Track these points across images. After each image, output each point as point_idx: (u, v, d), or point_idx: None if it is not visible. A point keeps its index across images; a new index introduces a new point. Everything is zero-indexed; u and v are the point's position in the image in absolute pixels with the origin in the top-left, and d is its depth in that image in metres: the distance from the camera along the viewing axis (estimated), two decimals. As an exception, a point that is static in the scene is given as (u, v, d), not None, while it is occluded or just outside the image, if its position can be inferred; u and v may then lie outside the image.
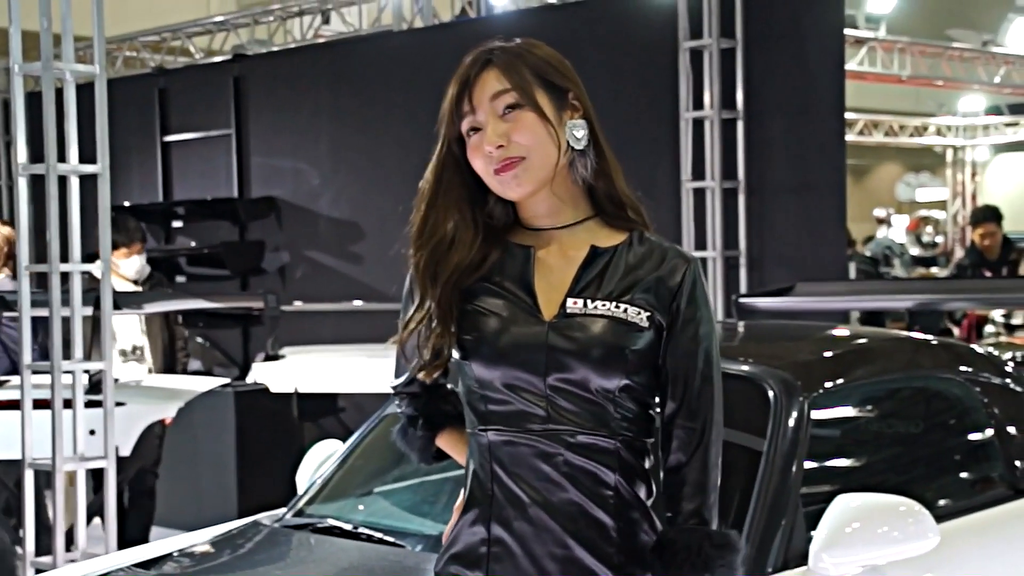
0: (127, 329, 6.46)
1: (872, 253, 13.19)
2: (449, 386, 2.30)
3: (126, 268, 6.53)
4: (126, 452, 5.68)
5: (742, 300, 5.44)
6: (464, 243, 2.11)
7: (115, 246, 6.36)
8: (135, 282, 6.61)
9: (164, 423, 6.06)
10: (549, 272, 2.12)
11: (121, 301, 5.73)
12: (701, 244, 7.29)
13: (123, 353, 6.44)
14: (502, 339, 2.06)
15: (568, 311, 2.07)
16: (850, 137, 17.27)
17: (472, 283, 2.12)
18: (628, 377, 2.04)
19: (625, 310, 2.06)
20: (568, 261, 2.12)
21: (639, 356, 2.05)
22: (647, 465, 2.09)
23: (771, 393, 3.19)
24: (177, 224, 10.09)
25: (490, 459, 2.09)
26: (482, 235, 2.13)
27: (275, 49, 10.02)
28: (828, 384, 3.33)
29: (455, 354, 2.11)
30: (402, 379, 2.27)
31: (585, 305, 2.07)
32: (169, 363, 6.69)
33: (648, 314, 2.07)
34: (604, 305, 2.06)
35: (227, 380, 6.73)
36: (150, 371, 6.52)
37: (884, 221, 16.65)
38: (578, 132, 2.10)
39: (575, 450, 2.04)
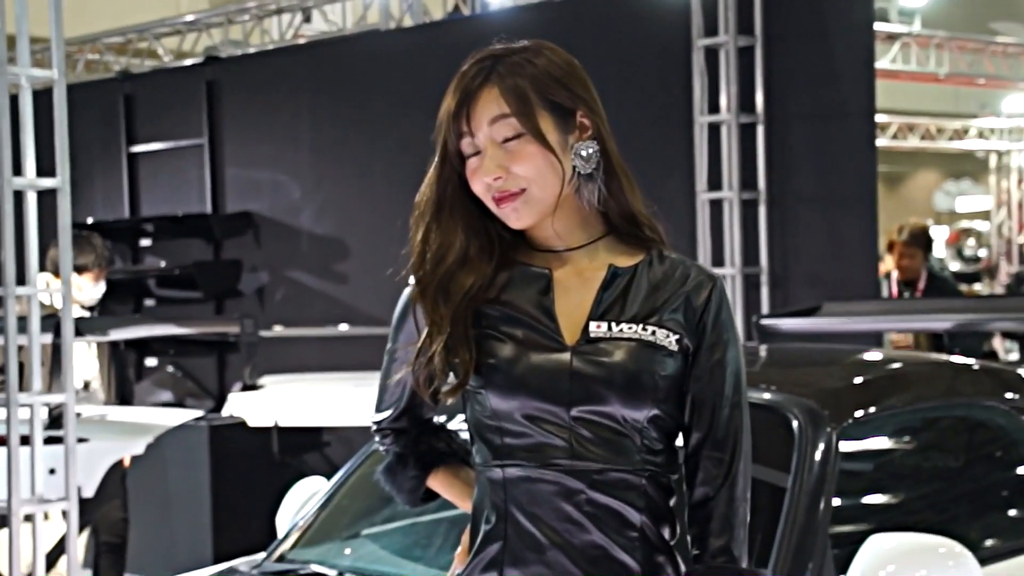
0: (84, 358, 6.45)
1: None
2: (438, 420, 2.31)
3: (91, 293, 6.51)
4: (89, 493, 5.68)
5: (763, 322, 5.44)
6: (478, 262, 2.14)
7: (83, 269, 6.37)
8: (91, 309, 6.60)
9: (123, 463, 6.07)
10: (565, 294, 2.14)
11: (83, 327, 5.74)
12: (718, 260, 7.30)
13: (86, 386, 6.44)
14: (520, 366, 2.08)
15: (592, 335, 2.09)
16: (882, 142, 17.27)
17: (483, 306, 2.13)
18: (657, 406, 2.06)
19: (653, 332, 2.08)
20: (585, 282, 2.14)
21: (668, 382, 2.07)
22: (672, 503, 2.11)
23: (796, 423, 3.20)
24: (145, 243, 10.09)
25: (505, 497, 2.09)
26: (497, 251, 2.16)
27: (251, 51, 10.05)
28: (859, 413, 3.33)
29: (469, 384, 2.12)
30: (387, 414, 2.28)
31: (610, 328, 2.09)
32: (123, 394, 6.67)
33: (677, 336, 2.09)
34: (630, 328, 2.08)
35: (201, 413, 6.75)
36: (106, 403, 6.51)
37: (920, 234, 16.65)
38: (585, 156, 2.11)
39: (599, 487, 2.05)
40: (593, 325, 2.09)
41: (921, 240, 7.84)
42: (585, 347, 2.08)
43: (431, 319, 2.12)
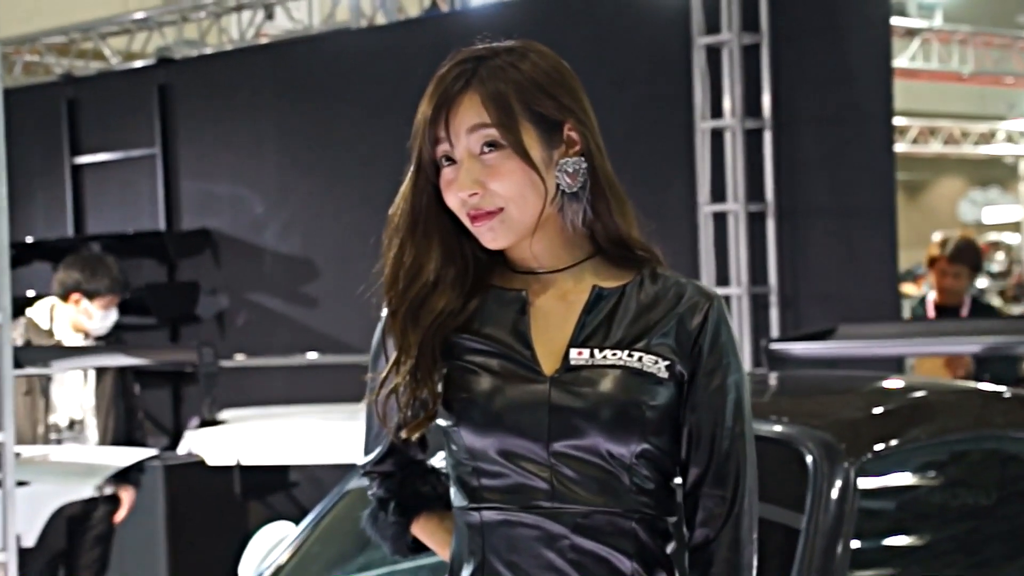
0: (75, 393, 6.40)
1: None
2: (430, 462, 2.32)
3: (101, 322, 6.46)
4: (30, 542, 5.66)
5: (773, 346, 5.45)
6: (451, 284, 2.14)
7: (94, 294, 6.37)
8: (103, 338, 6.56)
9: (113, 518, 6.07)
10: (545, 319, 2.14)
11: (21, 358, 5.73)
12: (723, 279, 7.32)
13: (71, 424, 6.39)
14: (496, 400, 2.09)
15: (572, 363, 2.09)
16: (901, 147, 17.33)
17: (452, 335, 2.14)
18: (646, 440, 2.06)
19: (640, 359, 2.08)
20: (567, 306, 2.15)
21: (659, 414, 2.07)
22: (669, 550, 2.11)
23: (809, 458, 3.21)
24: (92, 263, 10.07)
25: (482, 544, 2.10)
26: (472, 273, 2.17)
27: (208, 51, 10.03)
28: (879, 447, 3.34)
29: (442, 421, 2.13)
30: (373, 455, 2.29)
31: (592, 355, 2.09)
32: (129, 434, 6.64)
33: (668, 363, 2.09)
34: (615, 354, 2.08)
35: (155, 451, 6.72)
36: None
37: (944, 248, 16.67)
38: (571, 173, 2.12)
39: (585, 532, 2.05)
40: (574, 352, 2.10)
41: (968, 256, 7.25)
42: (565, 377, 2.08)
43: (399, 346, 2.13)
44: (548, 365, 2.10)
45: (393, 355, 2.13)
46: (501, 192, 2.08)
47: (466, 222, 2.12)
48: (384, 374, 2.14)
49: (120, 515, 6.26)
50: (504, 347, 2.12)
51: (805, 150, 7.23)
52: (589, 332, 2.11)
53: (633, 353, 2.08)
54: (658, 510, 2.09)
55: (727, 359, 2.13)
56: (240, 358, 8.94)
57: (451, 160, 2.11)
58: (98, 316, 6.43)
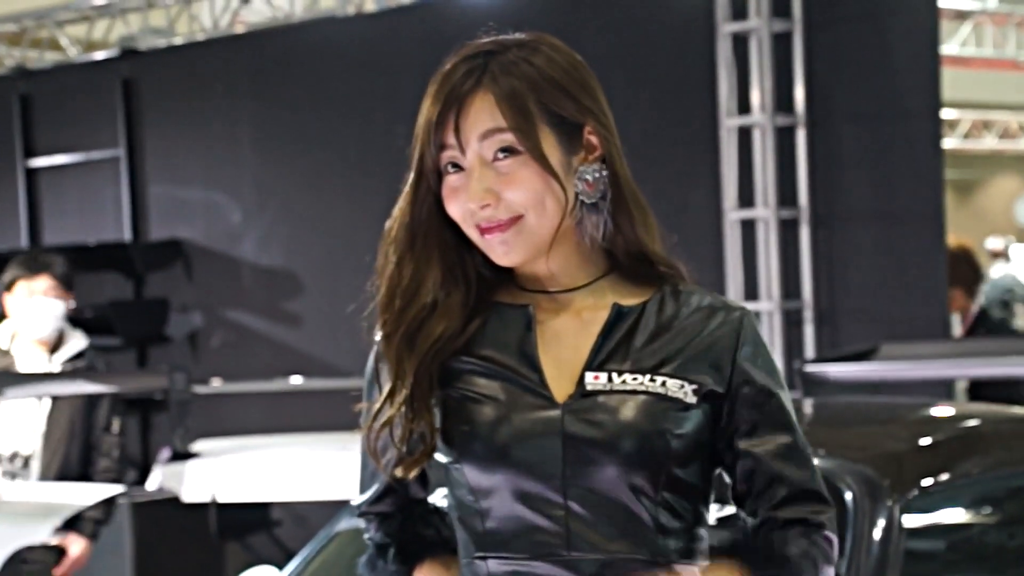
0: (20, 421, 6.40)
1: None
2: (432, 502, 2.32)
3: (42, 314, 6.46)
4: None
5: (808, 368, 5.45)
6: (451, 306, 2.15)
7: (35, 273, 6.40)
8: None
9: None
10: (557, 340, 2.15)
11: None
12: (752, 293, 7.33)
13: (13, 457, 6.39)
14: (501, 431, 2.09)
15: (588, 388, 2.10)
16: (950, 143, 17.32)
17: (451, 360, 2.15)
18: (673, 473, 2.07)
19: (664, 383, 2.09)
20: (582, 324, 2.16)
21: (686, 444, 2.08)
22: None
23: (849, 496, 3.23)
24: (49, 278, 10.08)
25: None
26: (474, 294, 2.17)
27: (178, 41, 10.03)
28: (927, 482, 3.36)
29: (441, 457, 2.14)
30: (369, 494, 2.28)
31: (610, 380, 2.10)
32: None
33: (695, 386, 2.10)
34: (635, 379, 2.09)
35: (121, 488, 6.74)
36: None
37: (1001, 254, 16.66)
38: (591, 181, 2.13)
39: None
40: (590, 376, 2.10)
41: (961, 274, 7.59)
42: (580, 403, 2.09)
43: (394, 374, 2.13)
44: (560, 390, 2.11)
45: (387, 384, 2.14)
46: (518, 201, 2.09)
47: (473, 235, 2.13)
48: (378, 405, 2.15)
49: (62, 571, 6.03)
50: (507, 370, 2.13)
51: (843, 149, 7.24)
52: (607, 355, 2.12)
53: (656, 377, 2.09)
54: (687, 553, 2.10)
55: (774, 376, 2.16)
56: (216, 383, 8.93)
57: (457, 167, 2.12)
58: (41, 303, 6.39)
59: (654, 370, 2.10)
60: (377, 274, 2.17)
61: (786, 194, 7.30)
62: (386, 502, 2.28)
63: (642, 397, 2.08)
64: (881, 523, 3.18)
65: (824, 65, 7.25)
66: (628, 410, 2.07)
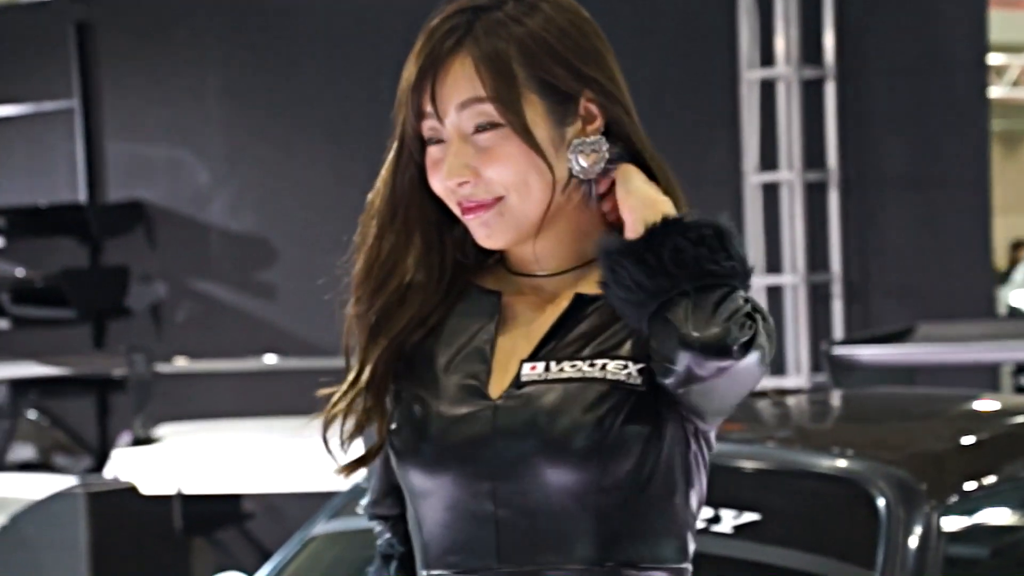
0: None
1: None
2: None
3: None
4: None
5: (837, 350, 5.44)
6: (424, 289, 2.14)
7: None
8: None
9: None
10: (518, 330, 2.14)
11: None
12: (775, 265, 7.33)
13: None
14: (437, 433, 2.08)
15: (522, 380, 2.08)
16: (997, 91, 17.27)
17: (410, 348, 2.15)
18: (616, 469, 2.03)
19: (604, 366, 2.05)
20: (544, 314, 2.13)
21: (632, 434, 2.03)
22: None
23: (881, 501, 3.21)
24: (-5, 243, 10.08)
25: None
26: (449, 276, 2.16)
27: (139, -20, 10.04)
28: (969, 486, 3.35)
29: (392, 459, 2.13)
30: (371, 495, 2.26)
31: (547, 369, 2.07)
32: None
33: (640, 366, 2.04)
34: (573, 365, 2.06)
35: (74, 478, 6.74)
36: None
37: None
38: (585, 158, 2.09)
39: None
40: (527, 367, 2.08)
41: None
42: (512, 398, 2.07)
43: (361, 357, 2.14)
44: (498, 385, 2.09)
45: (352, 370, 2.15)
46: (498, 179, 2.06)
47: (456, 212, 2.11)
48: (341, 390, 2.15)
49: None
50: (457, 362, 2.12)
51: (877, 104, 7.24)
52: (555, 346, 2.09)
53: (597, 361, 2.05)
54: (648, 561, 2.06)
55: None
56: (181, 362, 8.93)
57: (439, 138, 2.10)
58: None
59: (598, 355, 2.06)
60: (356, 246, 2.15)
61: (813, 155, 7.30)
62: (387, 504, 2.24)
63: (576, 384, 2.04)
64: (918, 531, 3.16)
65: (856, 10, 7.25)
66: (556, 399, 2.03)
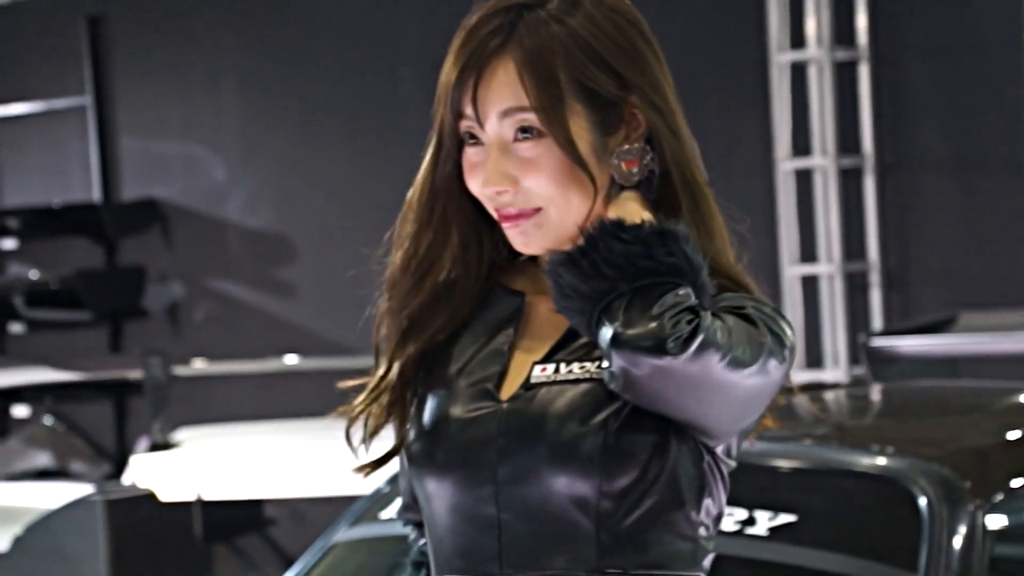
0: None
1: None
2: None
3: None
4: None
5: (875, 342, 5.42)
6: (461, 287, 2.16)
7: None
8: None
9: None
10: (539, 332, 2.15)
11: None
12: (809, 254, 7.32)
13: None
14: (443, 433, 2.09)
15: (532, 382, 2.08)
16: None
17: (434, 347, 2.16)
18: (622, 474, 2.02)
19: None
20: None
21: (636, 439, 2.02)
22: None
23: (923, 500, 3.18)
24: (8, 244, 10.11)
25: None
26: (485, 275, 2.18)
27: (152, -28, 10.04)
28: (1016, 483, 3.32)
29: (405, 462, 2.15)
30: (402, 498, 2.29)
31: (557, 371, 2.08)
32: None
33: None
34: (583, 367, 2.06)
35: (92, 485, 6.74)
36: None
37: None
38: (628, 165, 2.08)
39: None
40: (538, 369, 2.09)
41: None
42: (521, 399, 2.07)
43: (390, 356, 2.15)
44: (510, 387, 2.10)
45: (383, 367, 2.16)
46: (538, 191, 2.07)
47: (493, 214, 2.12)
48: (370, 387, 2.17)
49: None
50: (477, 365, 2.13)
51: (913, 86, 7.23)
52: (567, 347, 2.10)
53: (605, 362, 2.01)
54: (646, 566, 2.05)
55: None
56: (199, 364, 8.94)
57: (476, 140, 2.10)
58: None
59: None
60: (392, 243, 2.17)
61: (847, 140, 7.28)
62: (417, 508, 2.25)
63: (584, 385, 2.05)
64: (961, 532, 3.13)
65: (891, -11, 7.23)
66: (563, 401, 2.04)
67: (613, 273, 1.95)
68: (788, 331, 2.06)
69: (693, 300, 1.94)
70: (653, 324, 1.91)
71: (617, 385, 1.96)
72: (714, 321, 1.93)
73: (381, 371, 2.16)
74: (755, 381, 1.99)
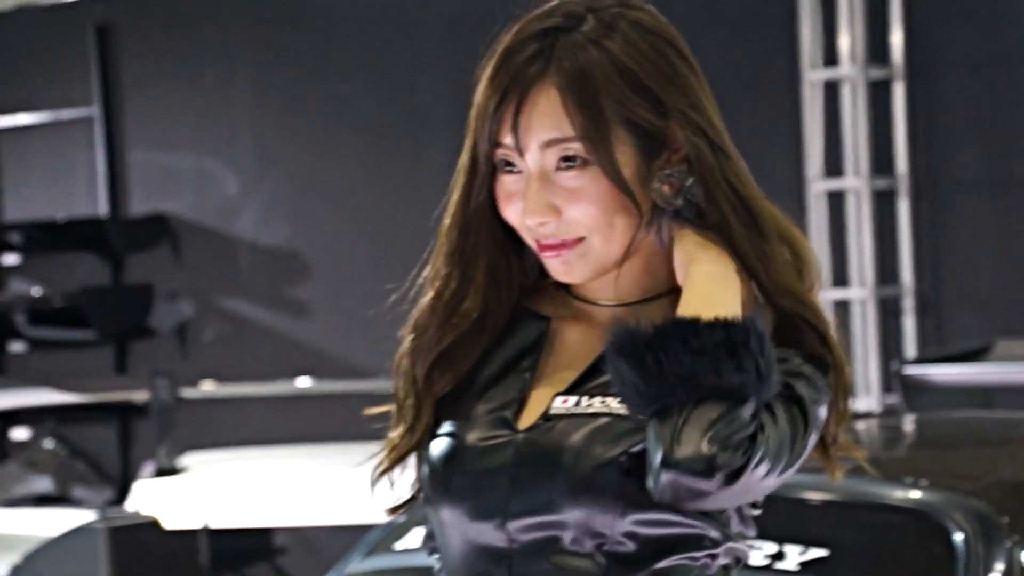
0: None
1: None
2: None
3: None
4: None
5: (908, 370, 5.42)
6: (493, 318, 2.17)
7: None
8: None
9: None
10: (561, 359, 2.16)
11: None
12: (840, 278, 7.32)
13: None
14: (458, 462, 2.10)
15: (551, 413, 2.09)
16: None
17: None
18: (641, 511, 2.02)
19: None
20: (590, 346, 2.13)
21: None
22: None
23: (959, 536, 3.19)
24: (10, 260, 10.12)
25: None
26: (512, 304, 2.19)
27: (162, -20, 10.06)
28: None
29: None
30: (427, 526, 2.27)
31: (578, 404, 2.08)
32: None
33: None
34: (603, 401, 2.06)
35: (94, 512, 6.74)
36: None
37: None
38: (670, 188, 2.08)
39: None
40: (559, 400, 2.09)
41: None
42: (537, 431, 2.08)
43: (421, 392, 2.16)
44: (528, 418, 2.11)
45: (406, 413, 2.18)
46: (582, 220, 2.07)
47: (531, 245, 2.12)
48: (395, 436, 2.18)
49: None
50: (497, 392, 2.14)
51: (949, 105, 7.23)
52: (591, 380, 2.10)
53: None
54: None
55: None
56: (208, 386, 8.94)
57: (512, 167, 2.10)
58: None
59: None
60: (426, 280, 2.18)
61: (881, 160, 7.28)
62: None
63: (603, 420, 2.05)
64: (999, 569, 3.14)
65: (925, 5, 7.24)
66: (581, 434, 2.05)
67: (676, 382, 1.92)
68: (827, 382, 2.06)
69: (752, 428, 1.91)
70: (705, 449, 1.89)
71: (662, 496, 1.94)
72: (765, 435, 1.93)
73: (411, 412, 2.17)
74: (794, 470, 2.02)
